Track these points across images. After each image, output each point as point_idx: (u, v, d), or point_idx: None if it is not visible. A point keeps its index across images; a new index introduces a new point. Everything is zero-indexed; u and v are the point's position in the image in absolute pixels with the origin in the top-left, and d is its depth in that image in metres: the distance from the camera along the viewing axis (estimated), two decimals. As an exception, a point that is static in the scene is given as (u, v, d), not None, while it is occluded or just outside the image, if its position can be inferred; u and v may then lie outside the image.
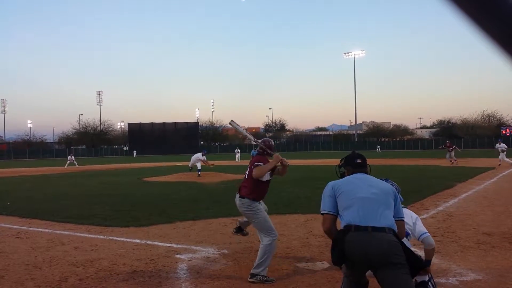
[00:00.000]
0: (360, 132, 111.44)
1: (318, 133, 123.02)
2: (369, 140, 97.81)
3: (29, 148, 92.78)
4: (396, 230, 3.15)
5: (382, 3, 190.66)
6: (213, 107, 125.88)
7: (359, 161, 3.59)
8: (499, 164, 24.25)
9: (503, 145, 25.63)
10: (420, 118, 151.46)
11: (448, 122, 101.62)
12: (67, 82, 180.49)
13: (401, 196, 3.78)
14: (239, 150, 46.11)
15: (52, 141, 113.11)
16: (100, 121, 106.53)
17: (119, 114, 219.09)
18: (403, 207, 3.73)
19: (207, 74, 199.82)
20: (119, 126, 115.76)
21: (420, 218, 8.30)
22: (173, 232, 7.63)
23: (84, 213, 9.81)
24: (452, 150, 28.31)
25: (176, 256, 5.98)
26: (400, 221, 3.32)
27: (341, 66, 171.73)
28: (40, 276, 5.16)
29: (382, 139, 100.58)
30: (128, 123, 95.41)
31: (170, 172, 24.48)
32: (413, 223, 4.31)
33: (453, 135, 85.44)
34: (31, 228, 8.25)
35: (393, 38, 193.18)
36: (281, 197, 11.59)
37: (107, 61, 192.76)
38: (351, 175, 3.55)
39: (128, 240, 7.06)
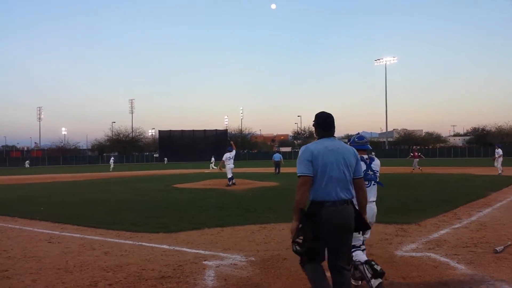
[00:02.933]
0: (391, 139, 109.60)
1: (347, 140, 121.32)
2: (399, 148, 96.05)
3: (63, 155, 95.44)
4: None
5: (414, 9, 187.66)
6: (242, 115, 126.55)
7: (329, 124, 3.82)
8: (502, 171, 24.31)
9: (499, 151, 25.12)
10: (453, 126, 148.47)
11: (482, 129, 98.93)
12: (101, 90, 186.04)
13: (369, 145, 5.16)
14: (213, 159, 46.66)
15: (85, 148, 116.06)
16: (132, 129, 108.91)
17: (150, 122, 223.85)
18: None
19: (236, 82, 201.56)
20: (150, 133, 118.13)
21: (453, 228, 8.12)
22: (201, 239, 7.67)
23: (115, 219, 9.99)
24: (411, 158, 31.22)
25: (203, 262, 6.01)
26: (359, 178, 3.80)
27: (372, 73, 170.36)
28: (71, 280, 5.27)
29: (414, 147, 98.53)
30: (158, 131, 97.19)
31: (199, 179, 24.70)
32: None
33: (487, 143, 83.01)
34: (63, 233, 8.45)
35: (426, 44, 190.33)
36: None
37: (140, 70, 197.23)
38: (323, 143, 3.74)
39: (156, 245, 7.13)
